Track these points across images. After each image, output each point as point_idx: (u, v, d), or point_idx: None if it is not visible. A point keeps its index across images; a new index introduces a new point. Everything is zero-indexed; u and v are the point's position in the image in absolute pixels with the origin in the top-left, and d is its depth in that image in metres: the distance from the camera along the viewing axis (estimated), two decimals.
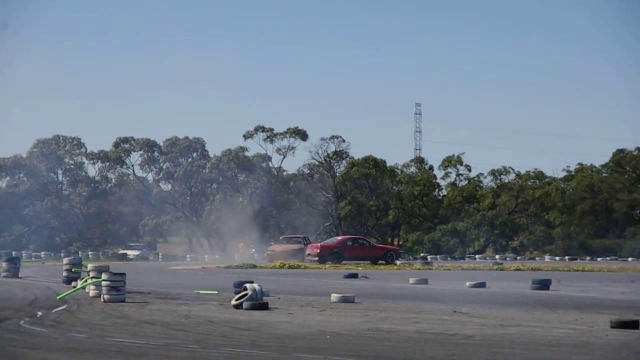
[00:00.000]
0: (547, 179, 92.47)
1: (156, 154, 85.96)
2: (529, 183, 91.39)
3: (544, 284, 28.42)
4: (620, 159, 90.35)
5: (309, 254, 50.53)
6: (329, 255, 49.46)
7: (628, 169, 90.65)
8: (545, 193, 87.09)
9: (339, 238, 55.24)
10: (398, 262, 50.37)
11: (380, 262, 49.44)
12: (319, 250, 50.01)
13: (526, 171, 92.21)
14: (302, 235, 58.25)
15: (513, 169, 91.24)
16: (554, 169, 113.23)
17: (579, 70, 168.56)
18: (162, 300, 22.36)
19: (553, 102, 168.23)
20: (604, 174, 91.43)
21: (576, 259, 67.50)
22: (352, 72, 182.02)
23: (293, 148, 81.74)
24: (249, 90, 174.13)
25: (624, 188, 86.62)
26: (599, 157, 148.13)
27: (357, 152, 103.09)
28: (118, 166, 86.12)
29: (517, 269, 43.76)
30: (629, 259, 69.40)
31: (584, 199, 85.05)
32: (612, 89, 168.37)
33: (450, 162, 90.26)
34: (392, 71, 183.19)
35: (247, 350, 13.28)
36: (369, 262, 49.30)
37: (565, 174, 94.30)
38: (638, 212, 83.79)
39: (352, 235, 59.29)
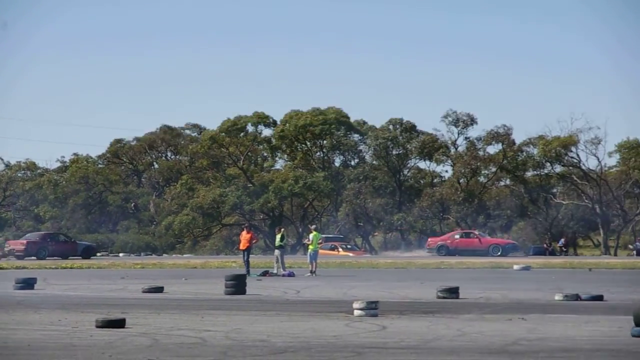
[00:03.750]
0: (39, 170, 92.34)
1: None
2: (20, 174, 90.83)
3: (28, 283, 28.73)
4: (118, 149, 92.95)
5: None
6: None
7: (125, 159, 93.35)
8: (37, 185, 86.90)
9: None
10: None
11: None
12: None
13: (17, 162, 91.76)
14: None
15: (2, 159, 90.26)
16: (48, 159, 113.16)
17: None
18: None
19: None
20: (100, 165, 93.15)
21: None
22: None
23: None
24: None
25: (120, 180, 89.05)
26: (98, 147, 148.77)
27: None
28: None
29: None
30: (121, 254, 70.77)
31: (78, 191, 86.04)
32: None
33: None
34: None
35: None
36: None
37: (59, 164, 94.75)
38: (132, 205, 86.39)
39: None
